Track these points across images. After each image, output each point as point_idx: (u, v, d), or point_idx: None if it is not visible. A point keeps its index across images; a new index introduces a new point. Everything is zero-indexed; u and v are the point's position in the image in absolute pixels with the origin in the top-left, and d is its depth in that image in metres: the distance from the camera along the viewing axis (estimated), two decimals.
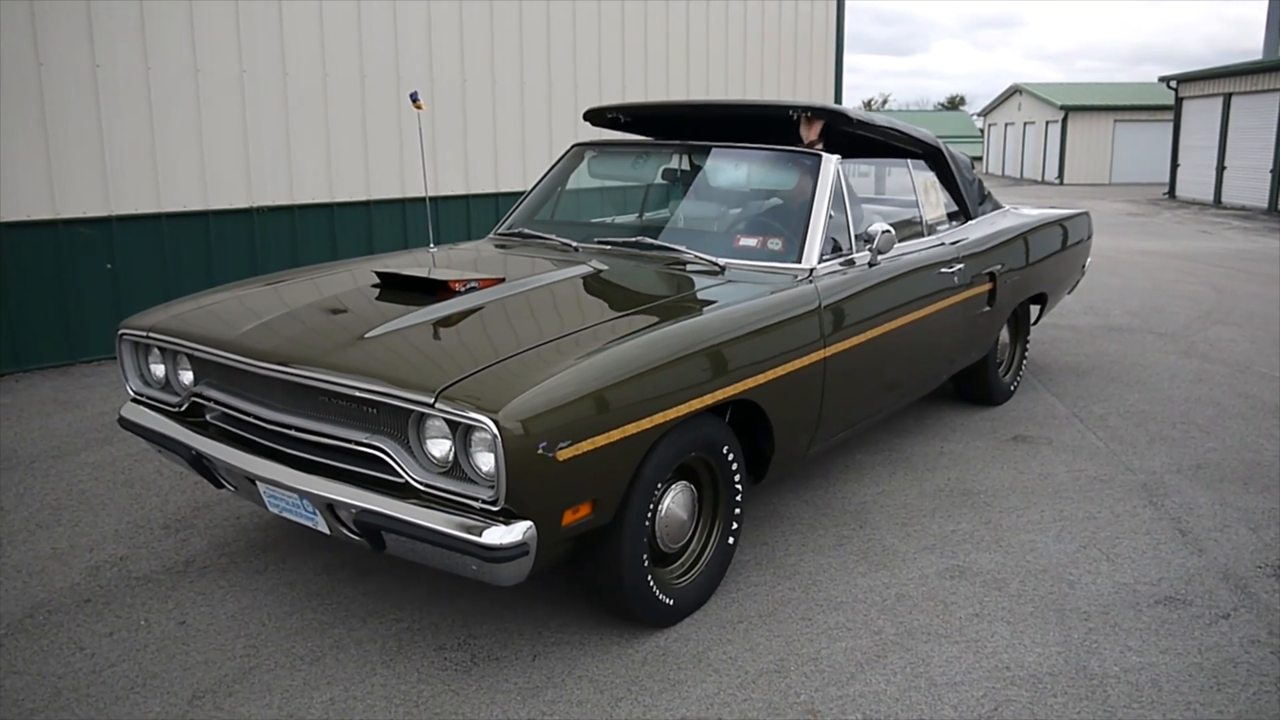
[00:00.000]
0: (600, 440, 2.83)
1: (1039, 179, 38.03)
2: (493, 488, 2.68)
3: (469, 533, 2.68)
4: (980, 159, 46.15)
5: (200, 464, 3.36)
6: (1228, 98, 23.77)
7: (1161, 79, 27.29)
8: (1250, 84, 22.84)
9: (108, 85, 6.78)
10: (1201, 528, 4.21)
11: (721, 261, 3.97)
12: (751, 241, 4.18)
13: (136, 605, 3.52)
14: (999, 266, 5.31)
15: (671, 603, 3.31)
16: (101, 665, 3.14)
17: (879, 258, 4.22)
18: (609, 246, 4.26)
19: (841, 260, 4.13)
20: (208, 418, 3.46)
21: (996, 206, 5.98)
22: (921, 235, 4.90)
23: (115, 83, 6.82)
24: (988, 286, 5.22)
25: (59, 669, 3.12)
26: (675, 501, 3.29)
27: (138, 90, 6.93)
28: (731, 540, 3.58)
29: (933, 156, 5.33)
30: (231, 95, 7.40)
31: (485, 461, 2.71)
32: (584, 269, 3.93)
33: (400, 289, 3.68)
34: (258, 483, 3.15)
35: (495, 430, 2.58)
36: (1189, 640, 3.31)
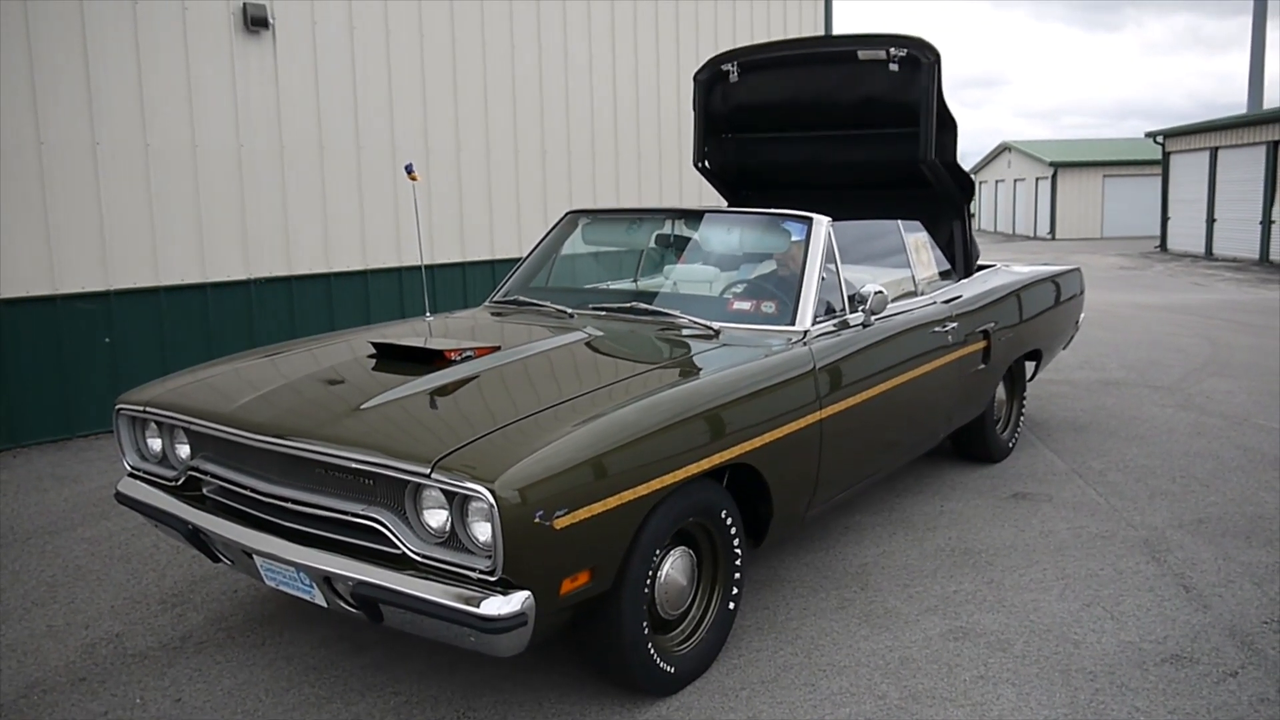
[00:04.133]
0: (597, 507, 2.82)
1: (1031, 235, 38.35)
2: (490, 558, 2.67)
3: (467, 604, 2.66)
4: (973, 216, 46.54)
5: (197, 538, 3.34)
6: (1214, 151, 24.06)
7: (1148, 134, 27.66)
8: (1236, 137, 23.15)
9: (107, 162, 6.87)
10: (1205, 583, 4.18)
11: (716, 325, 3.99)
12: (745, 305, 4.21)
13: (132, 683, 3.47)
14: (993, 324, 5.34)
15: (673, 670, 3.28)
16: None
17: (872, 318, 4.24)
18: (604, 312, 4.29)
19: (835, 321, 4.15)
20: (204, 491, 3.45)
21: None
22: (914, 294, 4.93)
23: (115, 159, 6.91)
24: (982, 344, 5.24)
25: None
26: (674, 567, 3.27)
27: (136, 166, 7.02)
28: (732, 605, 3.55)
29: (956, 200, 5.63)
30: (229, 169, 7.50)
31: (482, 531, 2.71)
32: (579, 335, 3.95)
33: (397, 359, 3.69)
34: (254, 556, 3.13)
35: (492, 499, 2.57)
36: (1197, 699, 3.27)
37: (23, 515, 5.28)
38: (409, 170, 4.22)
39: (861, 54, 5.31)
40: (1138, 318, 12.66)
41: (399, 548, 2.82)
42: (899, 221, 5.19)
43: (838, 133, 5.78)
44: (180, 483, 3.49)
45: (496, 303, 4.81)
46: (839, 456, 4.00)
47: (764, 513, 3.69)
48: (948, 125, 5.39)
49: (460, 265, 9.08)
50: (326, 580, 2.93)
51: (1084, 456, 6.07)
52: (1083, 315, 7.05)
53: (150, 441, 3.66)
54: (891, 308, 4.44)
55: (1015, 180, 40.77)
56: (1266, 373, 8.66)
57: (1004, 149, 42.11)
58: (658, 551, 3.14)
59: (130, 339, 7.11)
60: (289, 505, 3.08)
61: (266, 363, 3.90)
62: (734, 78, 5.83)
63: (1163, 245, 26.99)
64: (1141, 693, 3.31)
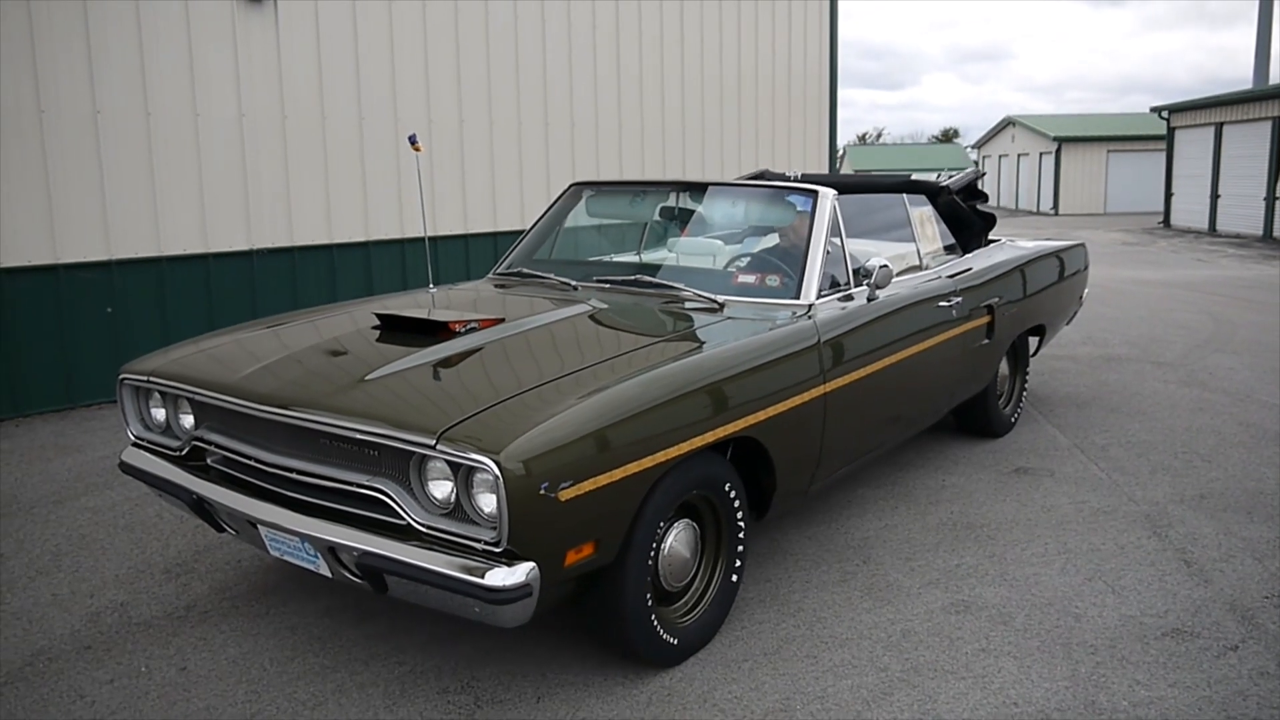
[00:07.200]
0: (602, 479, 2.82)
1: (1034, 210, 38.24)
2: (495, 529, 2.68)
3: (471, 574, 2.67)
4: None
5: (201, 508, 3.35)
6: (1219, 127, 23.95)
7: (1153, 109, 27.53)
8: (1241, 113, 23.03)
9: (108, 131, 6.84)
10: (1206, 558, 4.19)
11: (720, 298, 3.98)
12: (750, 278, 4.20)
13: (137, 652, 3.49)
14: (997, 299, 5.33)
15: (676, 642, 3.30)
16: (102, 714, 3.11)
17: (877, 292, 4.23)
18: (608, 285, 4.28)
19: (840, 295, 4.14)
20: (208, 461, 3.45)
21: None
22: (919, 269, 4.92)
23: (116, 128, 6.88)
24: (986, 319, 5.23)
25: (59, 717, 3.10)
26: (678, 539, 3.28)
27: (138, 135, 6.99)
28: (735, 578, 3.56)
29: (976, 230, 5.89)
30: (231, 139, 7.46)
31: (487, 502, 2.71)
32: (583, 308, 3.94)
33: (400, 330, 3.68)
34: (259, 526, 3.14)
35: (497, 471, 2.58)
36: (1197, 673, 3.28)
37: (26, 484, 5.29)
38: (412, 141, 4.20)
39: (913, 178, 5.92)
40: (1141, 293, 12.64)
41: (404, 518, 2.82)
42: (904, 195, 5.17)
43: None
44: (184, 453, 3.50)
45: (500, 275, 4.80)
46: (842, 430, 4.00)
47: (767, 486, 3.69)
48: (979, 196, 5.96)
49: (463, 237, 9.06)
50: (331, 550, 2.94)
51: (1086, 432, 6.07)
52: (1086, 291, 7.03)
53: (154, 411, 3.66)
54: (896, 282, 4.43)
55: (1019, 155, 40.61)
56: (1269, 349, 8.65)
57: (1008, 123, 41.92)
58: (662, 524, 3.15)
59: (132, 309, 7.11)
60: (293, 475, 3.08)
61: (270, 334, 3.89)
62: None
63: (1166, 221, 26.92)
64: (1142, 666, 3.33)
